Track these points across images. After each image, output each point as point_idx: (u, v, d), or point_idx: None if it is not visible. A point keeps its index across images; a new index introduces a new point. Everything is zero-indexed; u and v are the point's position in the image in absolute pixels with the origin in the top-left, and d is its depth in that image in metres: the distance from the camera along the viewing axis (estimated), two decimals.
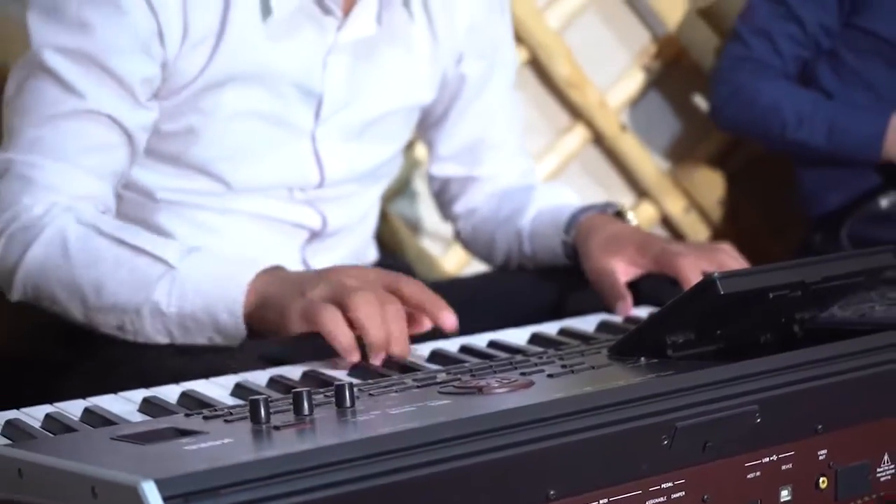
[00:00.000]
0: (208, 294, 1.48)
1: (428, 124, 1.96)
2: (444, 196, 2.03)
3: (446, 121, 1.95)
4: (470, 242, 2.02)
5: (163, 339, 1.51)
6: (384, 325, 1.38)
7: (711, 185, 2.85)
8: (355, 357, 1.37)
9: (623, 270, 1.69)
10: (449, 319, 1.44)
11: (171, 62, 1.62)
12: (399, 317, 1.41)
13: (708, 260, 1.65)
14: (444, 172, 2.00)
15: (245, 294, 1.46)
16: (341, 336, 1.38)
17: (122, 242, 1.52)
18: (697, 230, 2.86)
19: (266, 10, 1.65)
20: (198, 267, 1.50)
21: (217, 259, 1.52)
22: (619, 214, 1.82)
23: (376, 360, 1.37)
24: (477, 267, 2.24)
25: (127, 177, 1.68)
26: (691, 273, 1.62)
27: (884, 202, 2.48)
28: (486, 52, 1.90)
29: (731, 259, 1.67)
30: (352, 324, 1.39)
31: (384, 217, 2.44)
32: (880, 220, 2.48)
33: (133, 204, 1.73)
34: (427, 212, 2.58)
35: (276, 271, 1.49)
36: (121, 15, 1.57)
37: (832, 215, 2.54)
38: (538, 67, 2.67)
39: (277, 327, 1.44)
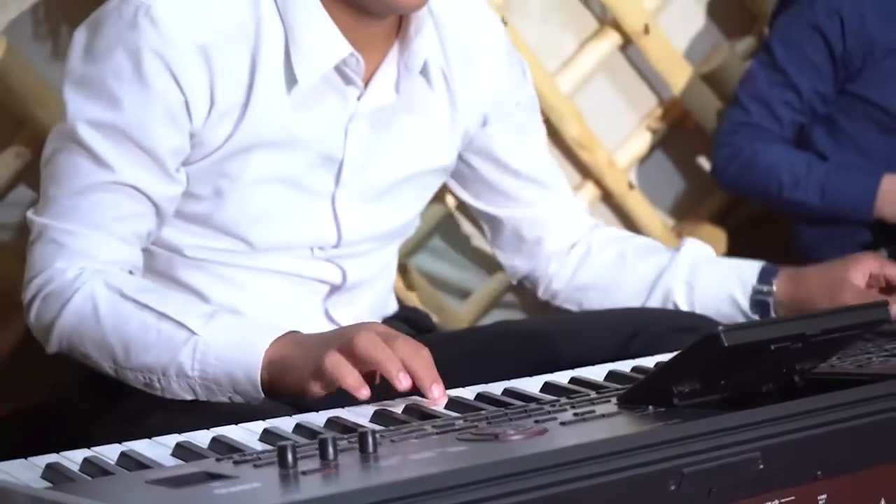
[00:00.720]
0: (228, 360, 1.49)
1: (478, 182, 1.93)
2: (524, 240, 1.97)
3: (494, 173, 1.92)
4: (581, 286, 1.97)
5: (188, 396, 1.53)
6: (390, 350, 1.38)
7: (714, 240, 2.84)
8: (364, 393, 1.37)
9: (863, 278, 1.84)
10: (434, 393, 1.39)
11: (198, 132, 1.63)
12: (407, 343, 1.40)
13: None
14: (515, 214, 1.95)
15: (261, 360, 1.47)
16: (346, 375, 1.38)
17: (146, 307, 1.55)
18: None
19: (291, 80, 1.65)
20: (218, 333, 1.51)
21: (237, 325, 1.53)
22: None
23: (403, 383, 1.37)
24: (489, 321, 2.24)
25: (156, 236, 1.70)
26: None
27: None
28: (512, 110, 1.89)
29: None
30: (358, 363, 1.39)
31: (404, 270, 2.44)
32: None
33: (162, 260, 1.74)
34: (445, 266, 2.58)
35: (292, 335, 1.49)
36: (149, 90, 1.59)
37: None
38: (550, 129, 2.65)
39: (297, 390, 1.46)
